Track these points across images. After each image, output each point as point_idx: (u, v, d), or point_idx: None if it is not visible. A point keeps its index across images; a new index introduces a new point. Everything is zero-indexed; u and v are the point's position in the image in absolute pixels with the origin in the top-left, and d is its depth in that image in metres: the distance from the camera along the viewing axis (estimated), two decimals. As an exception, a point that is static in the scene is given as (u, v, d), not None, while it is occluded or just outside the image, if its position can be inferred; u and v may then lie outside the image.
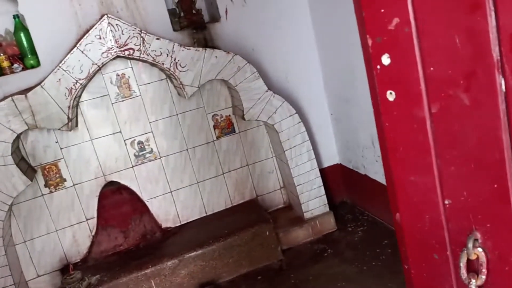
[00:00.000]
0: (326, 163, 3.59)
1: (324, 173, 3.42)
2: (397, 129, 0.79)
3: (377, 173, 3.12)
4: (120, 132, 3.11)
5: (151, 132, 3.17)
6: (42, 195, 2.98)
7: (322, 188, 3.27)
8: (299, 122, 3.16)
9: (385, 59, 0.75)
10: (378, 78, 0.77)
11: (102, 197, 3.11)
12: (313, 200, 3.26)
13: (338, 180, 3.62)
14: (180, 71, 2.90)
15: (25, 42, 2.82)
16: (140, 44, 2.81)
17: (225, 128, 3.32)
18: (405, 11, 0.68)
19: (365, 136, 3.13)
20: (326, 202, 3.29)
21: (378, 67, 0.76)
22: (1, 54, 2.81)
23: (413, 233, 0.87)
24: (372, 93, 0.80)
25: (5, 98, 2.71)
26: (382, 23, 0.72)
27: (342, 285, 2.72)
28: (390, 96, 0.77)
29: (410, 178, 0.82)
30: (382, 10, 0.71)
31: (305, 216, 3.26)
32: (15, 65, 2.85)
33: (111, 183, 3.14)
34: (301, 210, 3.26)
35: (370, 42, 0.76)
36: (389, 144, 0.80)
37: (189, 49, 2.90)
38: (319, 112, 3.49)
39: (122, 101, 3.08)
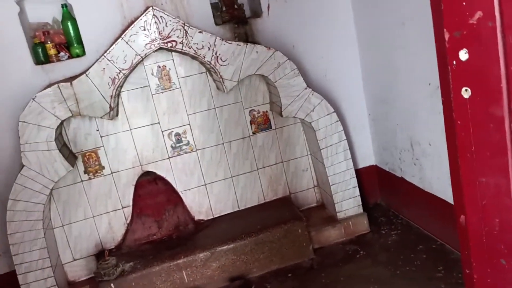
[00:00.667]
0: (361, 164, 3.55)
1: (359, 173, 3.38)
2: (470, 127, 0.77)
3: (414, 177, 3.06)
4: (159, 123, 3.14)
5: (189, 124, 3.19)
6: (82, 181, 3.05)
7: (357, 188, 3.23)
8: (337, 121, 3.13)
9: (463, 55, 0.72)
10: (453, 74, 0.74)
11: (138, 186, 3.16)
12: (347, 200, 3.23)
13: (373, 181, 3.57)
14: (221, 65, 2.91)
15: (71, 31, 2.89)
16: (182, 37, 2.84)
17: (262, 123, 3.31)
18: (490, 5, 0.66)
19: (404, 139, 3.07)
20: (360, 203, 3.25)
21: (454, 62, 0.74)
22: (49, 42, 2.88)
23: (479, 237, 0.84)
24: (445, 89, 0.78)
25: (51, 85, 2.79)
26: (462, 16, 0.70)
27: (374, 288, 2.68)
28: (465, 93, 0.74)
29: (481, 179, 0.80)
30: (464, 3, 0.69)
31: (338, 216, 3.23)
32: (62, 53, 2.92)
33: (147, 173, 3.18)
34: (335, 210, 3.23)
35: (447, 36, 0.73)
36: (460, 142, 0.78)
37: (230, 43, 2.91)
38: (356, 112, 3.45)
39: (162, 92, 3.12)
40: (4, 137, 2.88)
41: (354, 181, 3.22)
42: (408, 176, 3.14)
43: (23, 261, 2.74)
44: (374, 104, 3.36)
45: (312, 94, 3.07)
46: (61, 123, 2.79)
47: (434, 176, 2.84)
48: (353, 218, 3.24)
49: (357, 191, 3.23)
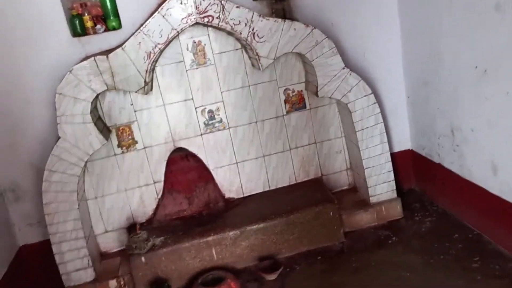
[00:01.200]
0: (397, 148, 3.45)
1: (394, 158, 3.27)
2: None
3: (453, 163, 2.95)
4: (192, 99, 3.12)
5: (222, 101, 3.15)
6: (115, 154, 3.07)
7: (392, 173, 3.14)
8: (374, 103, 3.03)
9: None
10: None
11: (170, 162, 3.16)
12: (381, 184, 3.15)
13: (408, 166, 3.47)
14: (257, 42, 2.84)
15: (108, 4, 2.86)
16: (219, 12, 2.77)
17: (296, 103, 3.25)
18: None
19: (444, 124, 2.95)
20: (395, 188, 3.17)
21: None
22: (86, 14, 2.86)
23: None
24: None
25: (87, 57, 2.78)
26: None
27: (406, 275, 2.62)
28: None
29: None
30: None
31: (371, 200, 3.16)
32: (98, 26, 2.90)
33: (180, 149, 3.18)
34: (367, 193, 3.16)
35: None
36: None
37: (268, 19, 2.83)
38: (394, 94, 3.34)
39: (197, 68, 3.08)
40: (41, 108, 2.91)
41: (389, 165, 3.13)
42: (447, 163, 3.03)
43: (57, 231, 2.79)
44: (414, 86, 3.24)
45: (350, 74, 2.97)
46: (97, 96, 2.79)
47: (475, 164, 2.73)
48: (386, 202, 3.17)
49: (391, 176, 3.15)
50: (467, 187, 2.82)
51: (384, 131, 3.07)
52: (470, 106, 2.64)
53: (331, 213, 3.02)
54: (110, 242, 3.16)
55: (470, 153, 2.75)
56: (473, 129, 2.67)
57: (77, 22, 2.86)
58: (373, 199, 3.16)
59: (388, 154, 3.12)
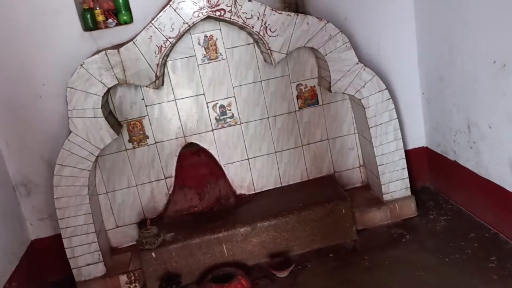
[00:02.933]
0: (411, 145, 3.38)
1: (408, 155, 3.21)
2: None
3: (469, 161, 2.88)
4: (204, 94, 3.09)
5: (234, 97, 3.12)
6: (126, 149, 3.06)
7: (406, 170, 3.09)
8: (388, 98, 2.97)
9: None
10: None
11: (181, 157, 3.14)
12: (395, 182, 3.09)
13: (423, 163, 3.40)
14: (270, 36, 2.80)
15: (120, -2, 2.85)
16: (231, 5, 2.74)
17: (309, 99, 3.20)
18: None
19: (460, 120, 2.88)
20: (409, 185, 3.11)
21: None
22: (97, 8, 2.85)
23: None
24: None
25: (99, 51, 2.77)
26: None
27: (421, 274, 2.56)
28: None
29: None
30: None
31: (384, 198, 3.11)
32: (110, 20, 2.89)
33: (191, 144, 3.15)
34: (381, 191, 3.11)
35: None
36: None
37: (280, 13, 2.79)
38: (409, 90, 3.27)
39: (208, 63, 3.05)
40: (53, 103, 2.91)
41: (403, 163, 3.07)
42: (462, 160, 2.96)
43: (68, 225, 2.79)
44: (429, 82, 3.17)
45: (364, 69, 2.92)
46: (108, 91, 2.78)
47: (493, 162, 2.66)
48: (400, 200, 3.11)
49: (405, 173, 3.09)
50: (484, 185, 2.76)
51: (398, 127, 3.02)
52: (487, 101, 2.57)
53: (343, 211, 2.97)
54: (121, 237, 3.15)
55: (488, 150, 2.68)
56: (490, 125, 2.60)
57: (88, 16, 2.85)
58: (386, 197, 3.11)
59: (402, 151, 3.06)
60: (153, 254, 2.82)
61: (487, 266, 2.52)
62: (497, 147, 2.58)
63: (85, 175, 2.77)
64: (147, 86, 2.80)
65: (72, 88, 2.67)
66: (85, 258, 2.84)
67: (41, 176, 3.00)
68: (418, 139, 3.39)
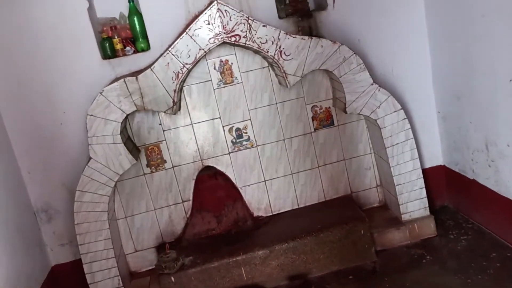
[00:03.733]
0: (428, 164, 3.37)
1: (425, 174, 3.18)
2: None
3: (489, 179, 2.86)
4: (220, 118, 3.13)
5: (250, 119, 3.16)
6: (144, 174, 3.10)
7: (424, 190, 3.06)
8: (404, 118, 2.98)
9: None
10: None
11: (199, 181, 3.17)
12: (413, 202, 3.07)
13: (441, 183, 3.38)
14: (284, 60, 2.84)
15: (137, 26, 2.92)
16: (246, 31, 2.79)
17: (324, 120, 3.22)
18: None
19: (478, 138, 2.87)
20: (427, 205, 3.09)
21: None
22: (116, 37, 2.93)
23: None
24: None
25: (117, 79, 2.83)
26: None
27: (443, 296, 2.53)
28: None
29: None
30: None
31: (402, 218, 3.09)
32: (127, 48, 2.96)
33: (208, 168, 3.18)
34: (399, 211, 3.08)
35: None
36: None
37: (294, 37, 2.83)
38: (424, 109, 3.27)
39: (224, 87, 3.09)
40: (73, 130, 2.97)
41: (421, 182, 3.06)
42: (481, 179, 2.93)
43: (88, 251, 2.81)
44: (445, 101, 3.17)
45: (379, 90, 2.94)
46: (126, 117, 2.83)
47: (512, 180, 2.63)
48: (418, 220, 3.08)
49: (423, 193, 3.07)
50: (504, 204, 2.72)
51: (415, 147, 3.01)
52: (505, 119, 2.56)
53: (362, 231, 2.96)
54: (140, 262, 3.17)
55: (507, 168, 2.66)
56: (509, 144, 2.58)
57: (107, 45, 2.92)
58: (405, 217, 3.09)
59: (420, 171, 3.04)
60: (172, 278, 2.82)
61: (510, 286, 2.48)
62: (517, 165, 2.56)
63: (105, 201, 2.81)
64: (165, 112, 2.84)
65: (92, 115, 2.73)
66: (105, 284, 2.85)
67: (62, 202, 3.05)
68: (435, 158, 3.37)
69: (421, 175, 3.05)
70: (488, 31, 2.54)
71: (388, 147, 2.99)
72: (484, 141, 2.81)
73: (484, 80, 2.68)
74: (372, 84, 2.93)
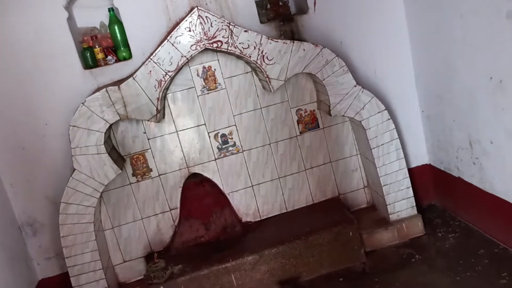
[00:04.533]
0: (414, 163, 3.39)
1: (412, 173, 3.21)
2: None
3: (473, 176, 2.88)
4: (205, 124, 3.12)
5: (235, 125, 3.15)
6: (130, 183, 3.07)
7: (411, 189, 3.08)
8: (388, 119, 2.99)
9: None
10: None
11: (186, 188, 3.15)
12: (400, 201, 3.09)
13: (427, 181, 3.40)
14: (267, 64, 2.84)
15: (118, 35, 2.90)
16: (228, 37, 2.79)
17: (309, 123, 3.22)
18: None
19: (461, 136, 2.89)
20: (414, 204, 3.10)
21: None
22: (97, 46, 2.90)
23: None
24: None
25: (99, 89, 2.81)
26: None
27: (433, 295, 2.54)
28: None
29: None
30: None
31: (390, 218, 3.10)
32: (109, 57, 2.94)
33: (194, 175, 3.16)
34: (387, 211, 3.10)
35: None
36: None
37: (276, 41, 2.83)
38: (408, 109, 3.29)
39: (208, 93, 3.08)
40: (56, 141, 2.93)
41: (407, 182, 3.07)
42: (467, 176, 2.96)
43: (75, 263, 2.78)
44: (428, 100, 3.19)
45: (362, 91, 2.95)
46: (110, 127, 2.80)
47: (496, 177, 2.66)
48: (406, 220, 3.10)
49: (410, 192, 3.09)
50: (490, 200, 2.75)
51: (400, 147, 3.03)
52: (487, 117, 2.59)
53: (350, 233, 2.96)
54: (128, 272, 3.13)
55: (491, 165, 2.68)
56: (492, 141, 2.61)
57: (88, 54, 2.90)
58: (393, 217, 3.10)
59: (406, 170, 3.06)
60: (161, 288, 2.80)
61: (499, 282, 2.50)
62: (500, 162, 2.58)
63: (90, 212, 2.77)
64: (148, 120, 2.82)
65: (74, 126, 2.70)
66: (93, 296, 2.82)
67: (47, 215, 3.00)
68: (420, 157, 3.39)
69: (407, 175, 3.07)
70: (466, 31, 2.57)
71: (373, 148, 3.01)
72: (467, 139, 2.84)
73: (465, 79, 2.71)
74: (355, 86, 2.94)
